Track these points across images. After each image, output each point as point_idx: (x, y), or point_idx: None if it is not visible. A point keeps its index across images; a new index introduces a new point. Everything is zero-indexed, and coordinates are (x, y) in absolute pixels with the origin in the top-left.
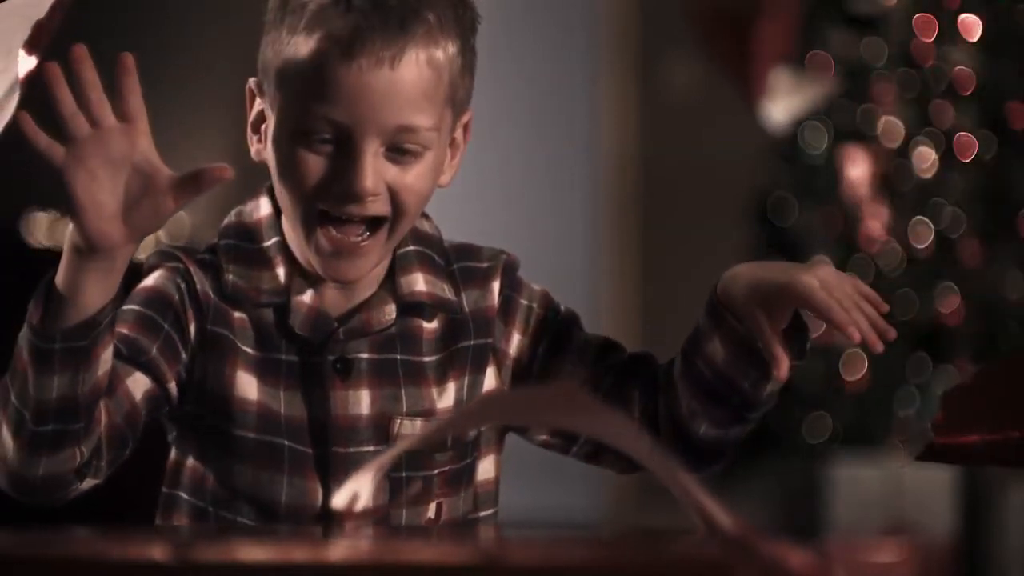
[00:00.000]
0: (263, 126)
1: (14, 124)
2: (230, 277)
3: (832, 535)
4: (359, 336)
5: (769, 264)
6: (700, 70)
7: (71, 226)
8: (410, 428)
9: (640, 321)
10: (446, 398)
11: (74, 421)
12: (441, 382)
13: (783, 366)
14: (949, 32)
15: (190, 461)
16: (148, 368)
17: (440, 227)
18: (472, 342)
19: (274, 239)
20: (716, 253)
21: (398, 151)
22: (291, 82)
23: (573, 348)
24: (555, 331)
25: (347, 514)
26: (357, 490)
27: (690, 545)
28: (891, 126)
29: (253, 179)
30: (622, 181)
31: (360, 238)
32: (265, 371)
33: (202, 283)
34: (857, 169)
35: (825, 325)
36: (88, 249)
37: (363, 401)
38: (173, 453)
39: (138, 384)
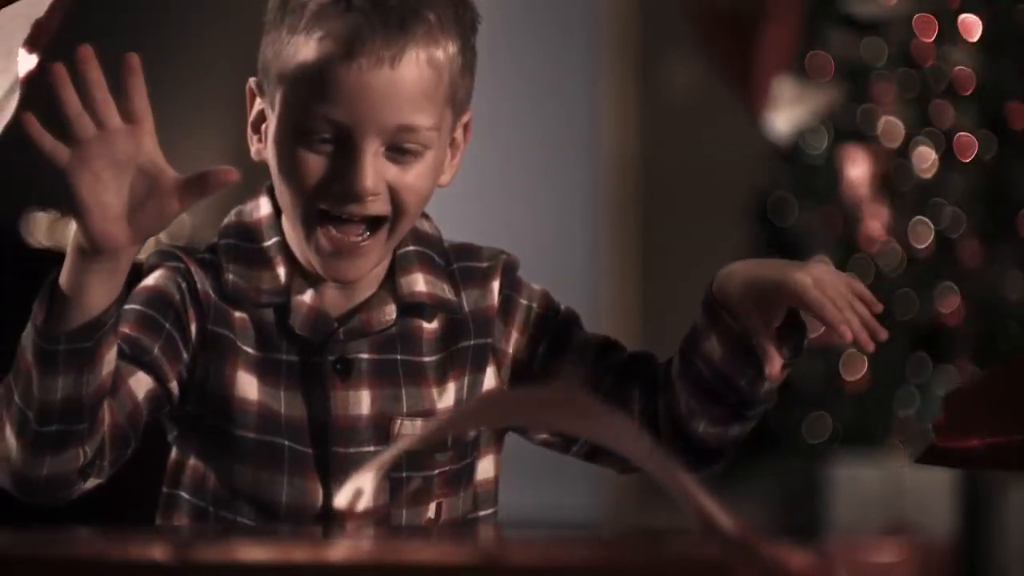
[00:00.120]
0: (263, 126)
1: (15, 124)
2: (230, 277)
3: (832, 535)
4: (359, 336)
5: (764, 262)
6: (700, 70)
7: (75, 227)
8: (410, 428)
9: (640, 321)
10: (446, 398)
11: (78, 422)
12: (441, 382)
13: (775, 364)
14: (949, 32)
15: (191, 461)
16: (150, 368)
17: (440, 227)
18: (472, 342)
19: (274, 239)
20: (716, 253)
21: (398, 151)
22: (291, 82)
23: (573, 348)
24: (555, 331)
25: (349, 513)
26: (360, 487)
27: (690, 545)
28: (891, 126)
29: (253, 179)
30: (622, 181)
31: (360, 238)
32: (265, 371)
33: (203, 283)
34: (857, 169)
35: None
36: (92, 250)
37: (363, 401)
38: (173, 453)
39: (140, 384)
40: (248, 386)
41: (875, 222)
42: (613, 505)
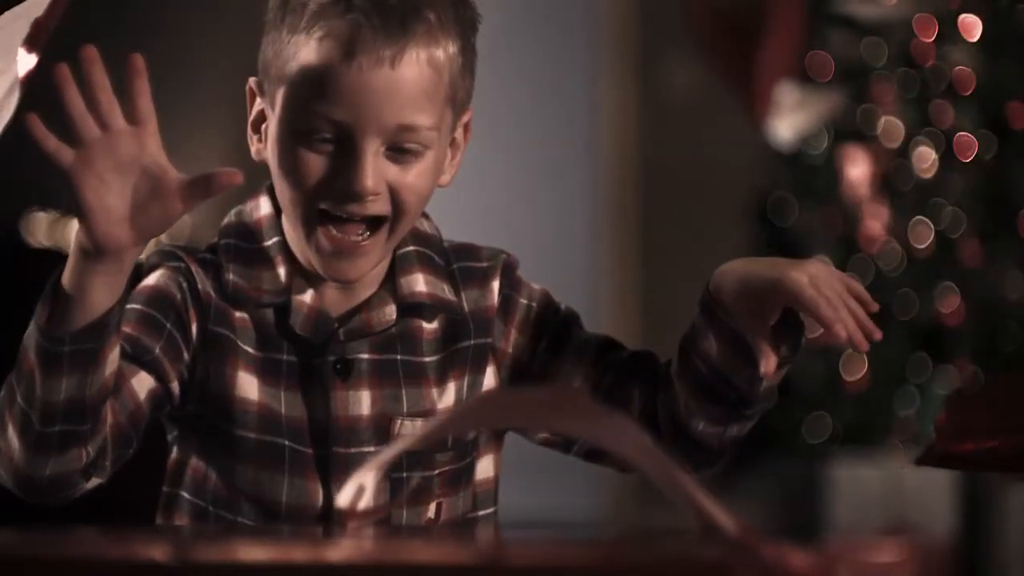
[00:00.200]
0: (263, 125)
1: (16, 124)
2: (231, 277)
3: (832, 535)
4: (359, 336)
5: (760, 260)
6: (700, 70)
7: (78, 228)
8: (411, 428)
9: (640, 321)
10: (446, 398)
11: (81, 422)
12: (441, 382)
13: (770, 362)
14: (949, 32)
15: (191, 460)
16: (152, 367)
17: (440, 227)
18: (472, 342)
19: (275, 239)
20: (716, 253)
21: (399, 150)
22: (291, 81)
23: (573, 347)
24: (555, 330)
25: (351, 512)
26: (363, 483)
27: (690, 545)
28: (891, 126)
29: (253, 179)
30: (622, 181)
31: (360, 237)
32: (266, 371)
33: (203, 283)
34: (857, 169)
35: None
36: (95, 251)
37: (363, 401)
38: (174, 452)
39: (142, 383)
40: (248, 386)
41: (875, 222)
42: (613, 505)
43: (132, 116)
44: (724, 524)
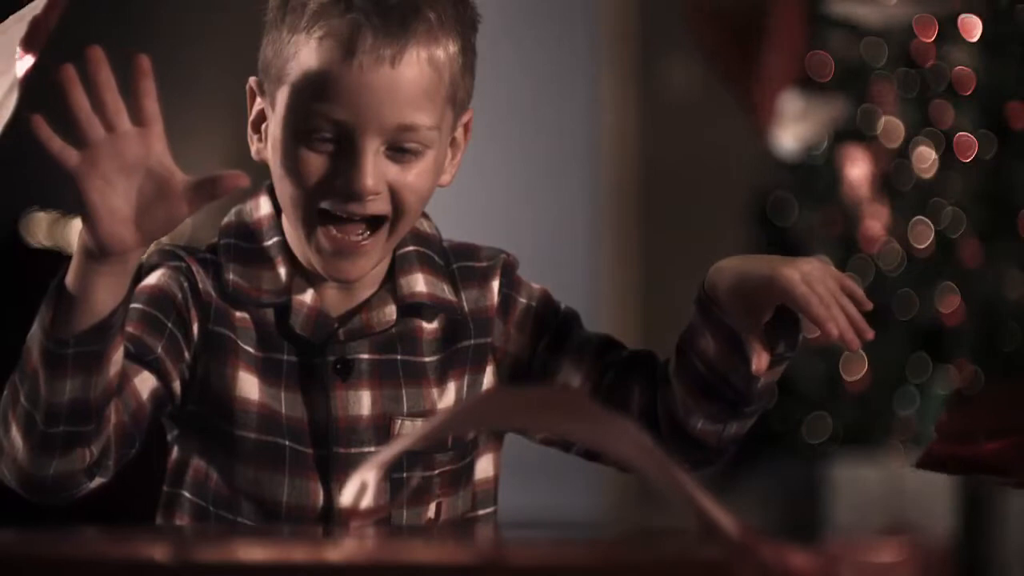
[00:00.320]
0: (263, 125)
1: (16, 125)
2: (231, 276)
3: (832, 535)
4: (359, 337)
5: (754, 257)
6: (700, 70)
7: (81, 229)
8: (411, 429)
9: (640, 321)
10: (446, 398)
11: (86, 423)
12: (441, 382)
13: (762, 359)
14: (949, 32)
15: (193, 460)
16: (154, 367)
17: (440, 227)
18: (472, 342)
19: (275, 239)
20: (716, 253)
21: (399, 150)
22: (292, 81)
23: (573, 346)
24: (555, 330)
25: (354, 511)
26: (365, 480)
27: (690, 545)
28: (891, 126)
29: (253, 179)
30: (622, 181)
31: (361, 237)
32: (266, 371)
33: (204, 282)
34: (857, 169)
35: None
36: (100, 253)
37: (364, 402)
38: (175, 452)
39: (145, 383)
40: (249, 386)
41: (875, 222)
42: (613, 505)
43: (138, 117)
44: (724, 525)
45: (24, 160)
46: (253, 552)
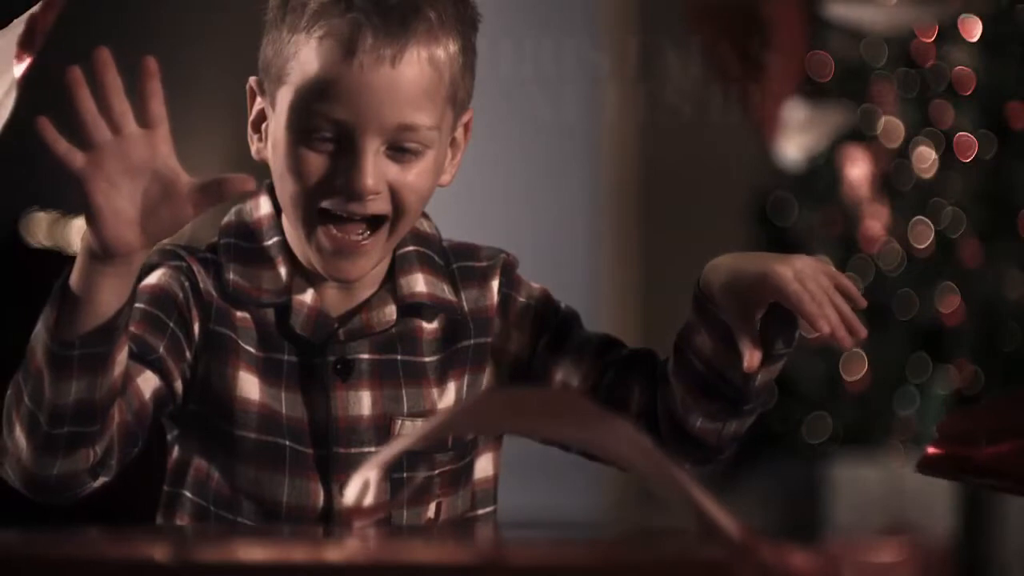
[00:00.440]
0: (264, 125)
1: (15, 125)
2: (231, 276)
3: (832, 535)
4: (359, 337)
5: (749, 255)
6: (700, 70)
7: (85, 230)
8: (411, 429)
9: (640, 321)
10: (447, 398)
11: (90, 424)
12: (441, 382)
13: (754, 357)
14: (949, 32)
15: (193, 460)
16: (156, 366)
17: (440, 227)
18: (472, 342)
19: (275, 238)
20: (716, 254)
21: (399, 150)
22: (292, 81)
23: (573, 346)
24: (555, 329)
25: (357, 510)
26: (367, 479)
27: (690, 545)
28: (891, 126)
29: (253, 179)
30: (622, 181)
31: (361, 237)
32: (267, 371)
33: (204, 282)
34: (857, 169)
35: None
36: (104, 254)
37: (364, 402)
38: (175, 452)
39: (147, 382)
40: (249, 386)
41: (875, 222)
42: (613, 505)
43: (144, 119)
44: (724, 525)
45: (24, 160)
46: (253, 552)
